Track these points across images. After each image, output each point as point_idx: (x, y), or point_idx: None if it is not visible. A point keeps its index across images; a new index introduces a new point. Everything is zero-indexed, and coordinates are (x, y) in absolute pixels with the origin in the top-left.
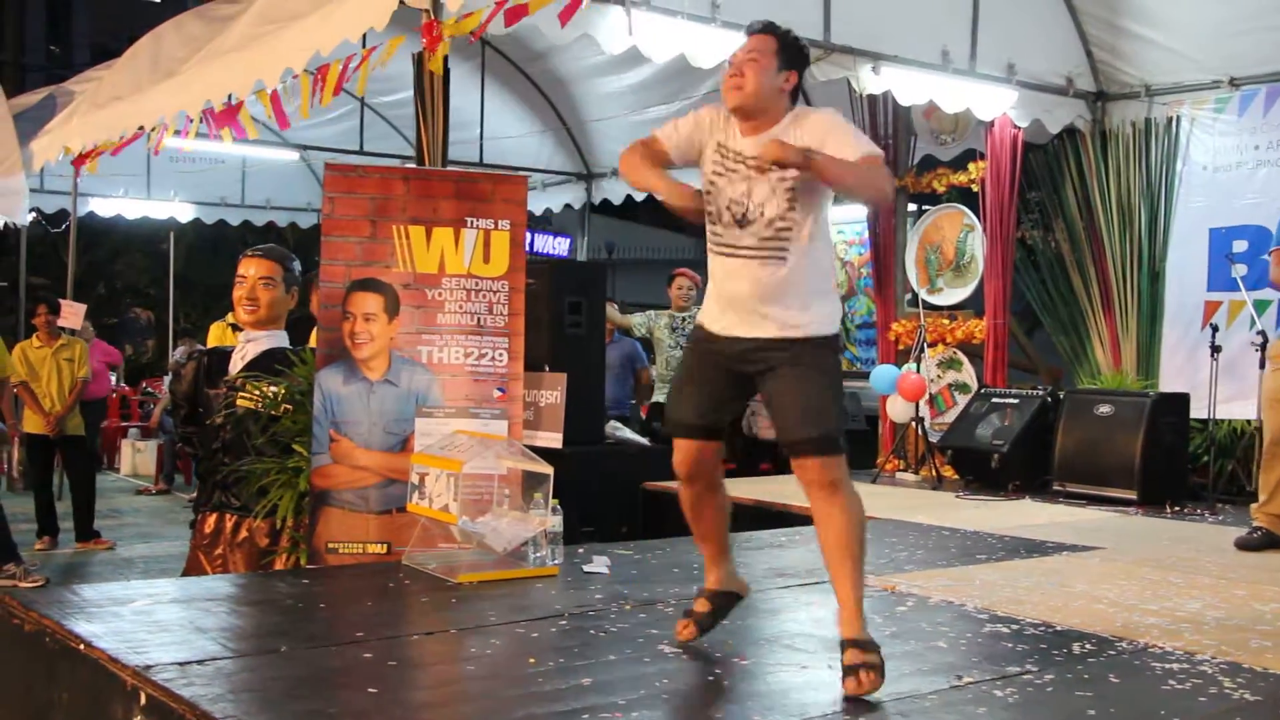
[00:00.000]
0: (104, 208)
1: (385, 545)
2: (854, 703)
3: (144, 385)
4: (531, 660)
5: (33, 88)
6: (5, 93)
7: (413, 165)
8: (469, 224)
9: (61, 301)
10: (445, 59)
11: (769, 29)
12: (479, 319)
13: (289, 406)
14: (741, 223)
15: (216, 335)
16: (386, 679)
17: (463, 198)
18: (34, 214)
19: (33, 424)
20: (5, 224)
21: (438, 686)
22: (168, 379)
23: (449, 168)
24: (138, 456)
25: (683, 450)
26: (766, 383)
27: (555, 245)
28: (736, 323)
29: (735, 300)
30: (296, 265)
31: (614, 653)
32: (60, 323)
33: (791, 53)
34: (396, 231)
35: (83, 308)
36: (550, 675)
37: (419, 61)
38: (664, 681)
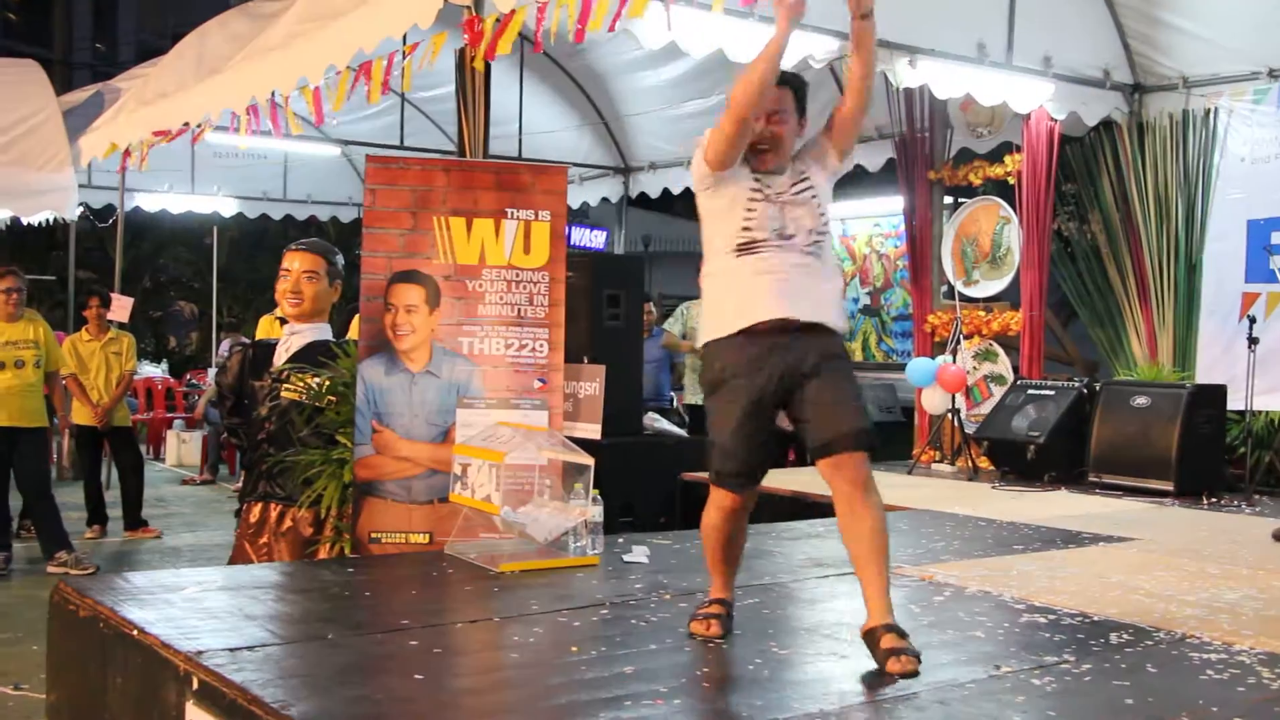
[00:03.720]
0: (149, 203)
1: (428, 535)
2: (894, 691)
3: (188, 377)
4: (574, 649)
5: (80, 85)
6: (54, 90)
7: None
8: (509, 215)
9: (111, 295)
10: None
11: (787, 81)
12: (519, 310)
13: (333, 398)
14: (783, 237)
15: (265, 328)
16: (431, 666)
17: (503, 189)
18: (82, 209)
19: (81, 415)
20: (54, 219)
21: (481, 673)
22: (212, 371)
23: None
24: (183, 447)
25: (735, 498)
26: (805, 386)
27: (592, 238)
28: (776, 307)
29: (773, 286)
30: (340, 259)
31: (655, 641)
32: (109, 316)
33: (804, 98)
34: (437, 223)
35: (131, 301)
36: (592, 663)
37: (461, 57)
38: (704, 670)
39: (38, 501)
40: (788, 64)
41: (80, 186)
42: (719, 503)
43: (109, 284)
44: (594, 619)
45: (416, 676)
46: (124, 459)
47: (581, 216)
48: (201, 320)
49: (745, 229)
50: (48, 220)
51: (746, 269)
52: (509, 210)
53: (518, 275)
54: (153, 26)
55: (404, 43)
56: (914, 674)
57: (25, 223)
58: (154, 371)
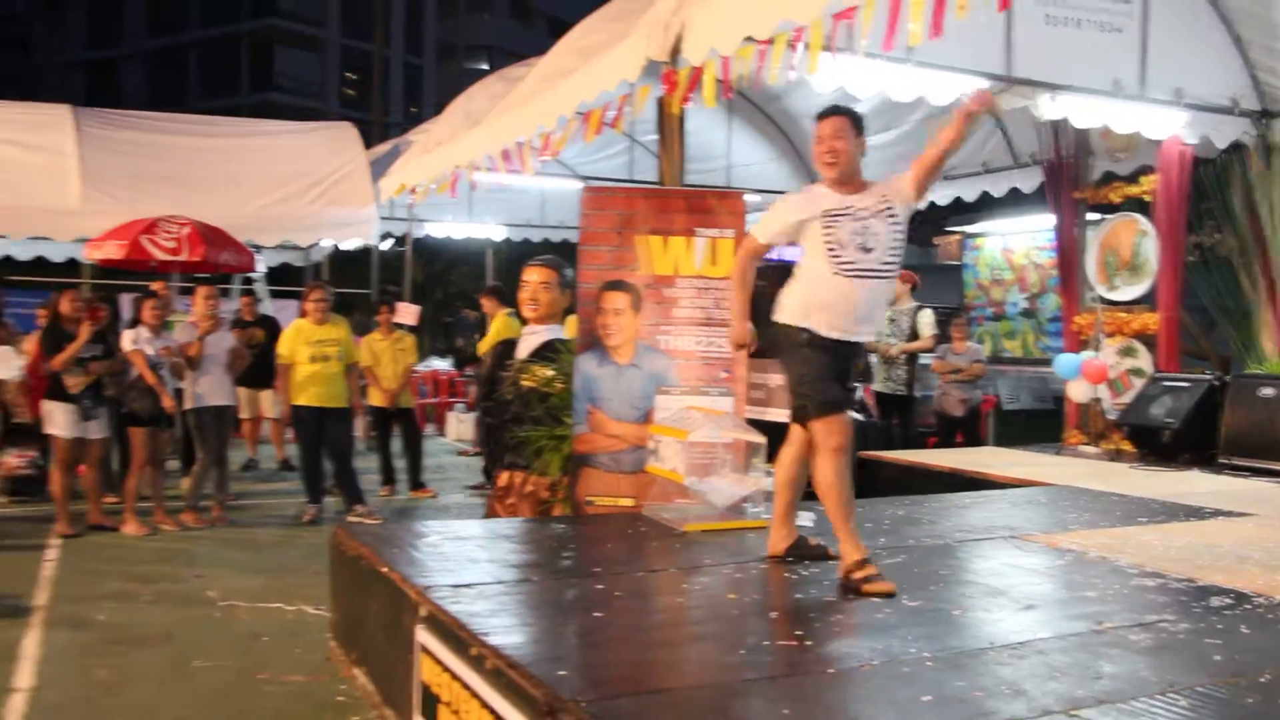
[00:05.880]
0: (436, 230)
1: (634, 500)
2: (1003, 640)
3: (468, 370)
4: (731, 595)
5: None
6: (364, 145)
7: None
8: (698, 233)
9: (397, 303)
10: (682, 103)
11: (841, 111)
12: (708, 313)
13: (561, 385)
14: (866, 250)
15: (500, 327)
16: (610, 606)
17: (692, 211)
18: (386, 236)
19: (375, 399)
20: (363, 245)
21: (649, 614)
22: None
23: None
24: (460, 426)
25: (848, 420)
26: None
27: (784, 252)
28: (855, 329)
29: (857, 309)
30: (570, 272)
31: (801, 592)
32: (396, 320)
33: (859, 123)
34: (639, 241)
35: (416, 308)
36: (744, 607)
37: (661, 104)
38: (839, 617)
39: (341, 466)
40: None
41: (383, 218)
42: (842, 432)
43: (404, 297)
44: (754, 572)
45: (596, 615)
46: (408, 434)
47: None
48: (482, 325)
49: (831, 248)
50: (359, 246)
51: (842, 289)
52: (697, 229)
53: (706, 284)
54: (451, 92)
55: (623, 93)
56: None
57: (341, 248)
58: (441, 365)
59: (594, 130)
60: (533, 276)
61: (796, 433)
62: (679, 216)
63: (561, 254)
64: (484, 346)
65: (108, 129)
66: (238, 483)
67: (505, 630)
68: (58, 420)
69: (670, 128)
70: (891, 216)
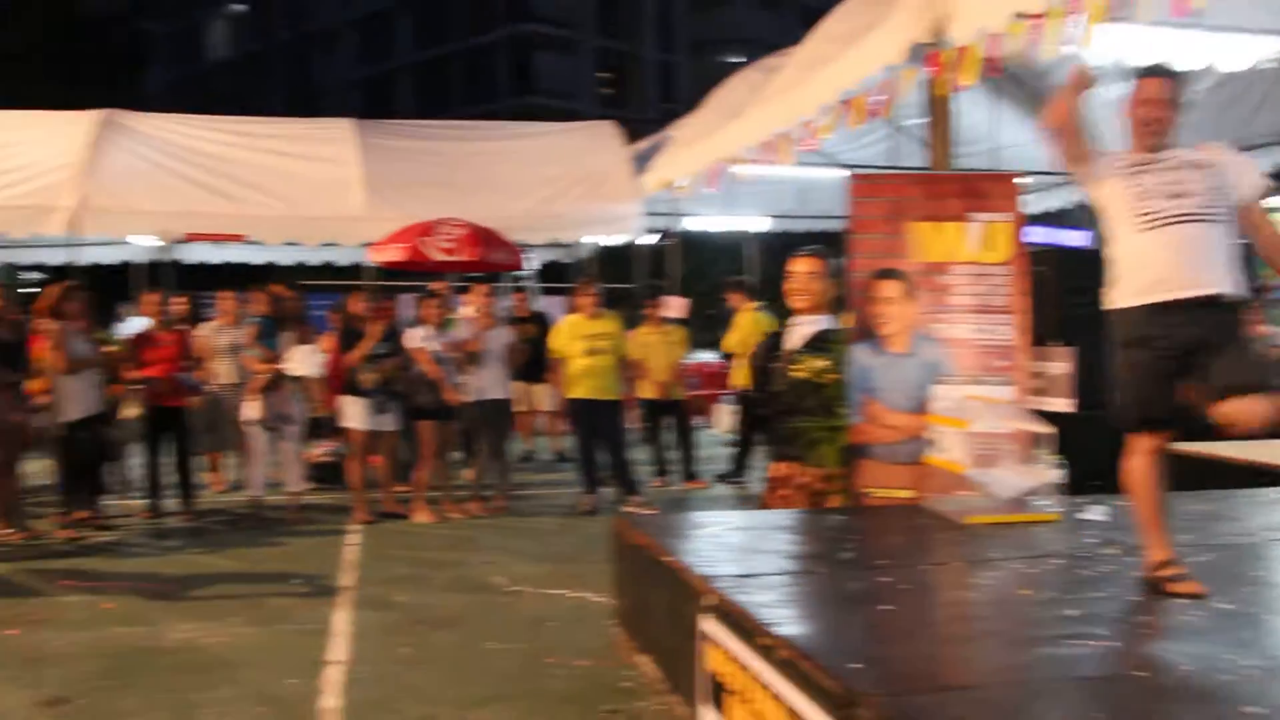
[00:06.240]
0: (696, 224)
1: (911, 491)
2: None
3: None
4: (1024, 591)
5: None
6: (626, 141)
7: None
8: (971, 218)
9: (663, 297)
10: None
11: (1164, 73)
12: (984, 300)
13: (833, 376)
14: (1176, 197)
15: (744, 321)
16: (898, 600)
17: (965, 196)
18: (650, 231)
19: (645, 392)
20: (627, 240)
21: (941, 608)
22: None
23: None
24: (730, 418)
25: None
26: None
27: (1073, 238)
28: (1189, 284)
29: (1182, 258)
30: (837, 261)
31: (1099, 590)
32: (664, 313)
33: (1182, 88)
34: (910, 228)
35: (683, 301)
36: (1039, 605)
37: (928, 87)
38: (1143, 618)
39: (616, 457)
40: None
41: (646, 214)
42: (1143, 451)
43: (670, 291)
44: (1047, 568)
45: (887, 608)
46: (680, 426)
47: (1059, 219)
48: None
49: (1139, 208)
50: (623, 242)
51: (1147, 243)
52: (971, 214)
53: (982, 270)
54: (704, 88)
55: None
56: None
57: (605, 244)
58: (708, 357)
59: (859, 118)
60: (800, 267)
61: (1136, 442)
62: (951, 202)
63: (823, 244)
64: (729, 342)
65: (386, 139)
66: (516, 473)
67: (793, 621)
68: (353, 414)
69: (938, 111)
70: (1202, 168)
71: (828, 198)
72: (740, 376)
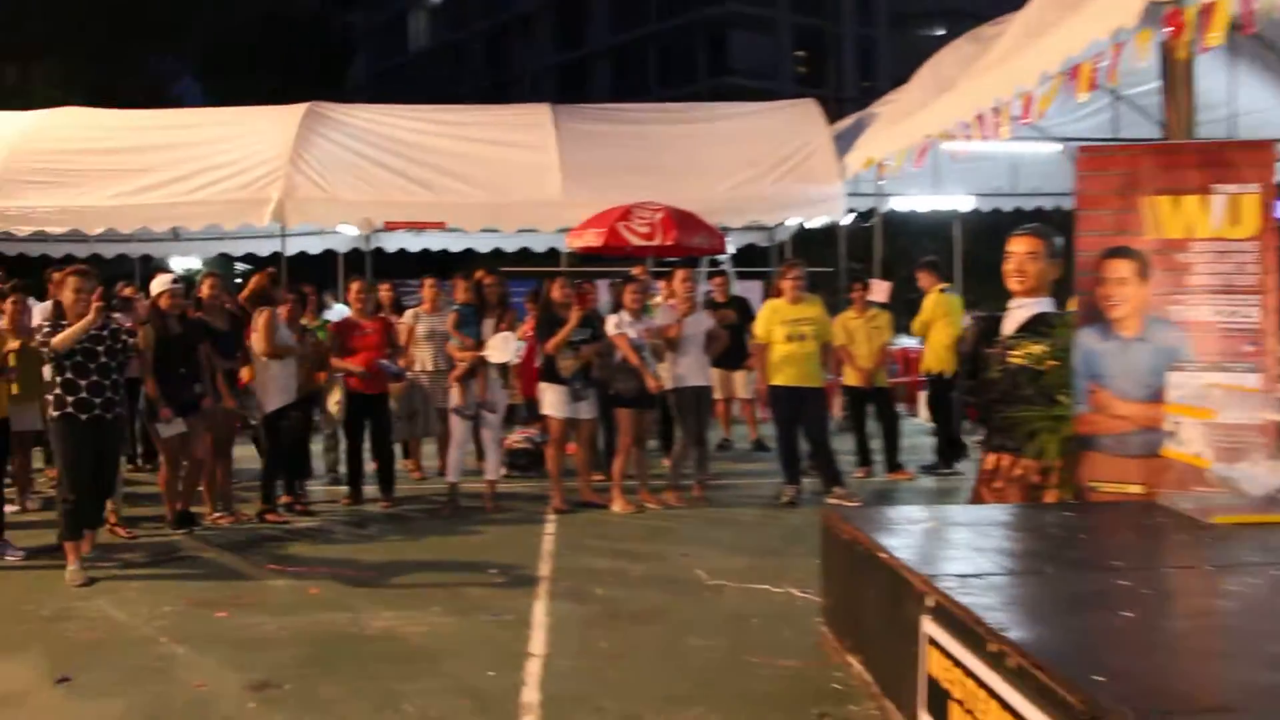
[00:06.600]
0: (901, 204)
1: (1143, 486)
2: None
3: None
4: None
5: (847, 115)
6: (826, 120)
7: None
8: (1215, 190)
9: (870, 280)
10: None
11: None
12: (1228, 279)
13: (1054, 362)
14: None
15: (931, 303)
16: (1141, 605)
17: (1208, 166)
18: (852, 213)
19: (850, 378)
20: (830, 222)
21: (1191, 617)
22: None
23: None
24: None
25: None
26: None
27: None
28: None
29: None
30: (1059, 241)
31: None
32: (869, 297)
33: None
34: (1145, 202)
35: (888, 285)
36: None
37: (1165, 50)
38: None
39: (818, 447)
40: None
41: (849, 195)
42: None
43: (873, 273)
44: None
45: (1126, 614)
46: (884, 414)
47: None
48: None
49: None
50: (825, 224)
51: None
52: (1214, 186)
53: (1225, 246)
54: (907, 64)
55: (1111, 43)
56: None
57: (806, 226)
58: (910, 342)
59: (1086, 86)
60: (1019, 247)
61: None
62: (1191, 173)
63: (1038, 223)
64: (918, 324)
65: (583, 123)
66: (714, 462)
67: (1024, 625)
68: (552, 401)
69: (1176, 75)
70: None
71: (1040, 174)
72: (930, 361)
